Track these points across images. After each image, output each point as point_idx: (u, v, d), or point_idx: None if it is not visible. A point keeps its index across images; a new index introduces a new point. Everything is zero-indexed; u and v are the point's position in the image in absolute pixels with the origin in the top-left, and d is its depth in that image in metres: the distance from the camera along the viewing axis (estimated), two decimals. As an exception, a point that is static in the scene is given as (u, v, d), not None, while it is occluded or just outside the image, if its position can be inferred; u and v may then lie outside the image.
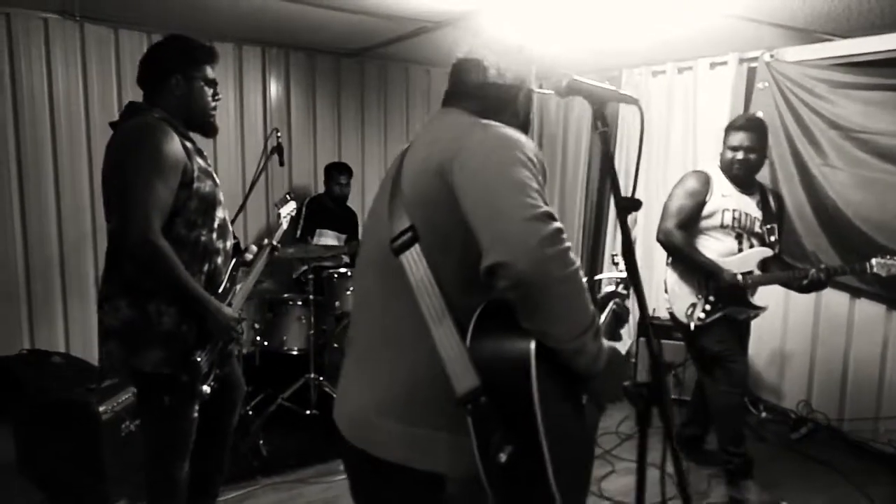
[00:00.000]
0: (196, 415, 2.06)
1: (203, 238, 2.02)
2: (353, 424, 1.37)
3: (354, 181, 4.90)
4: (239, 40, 4.60)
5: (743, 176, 3.06)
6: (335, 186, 4.65)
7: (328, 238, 4.49)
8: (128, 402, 3.04)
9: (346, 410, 1.40)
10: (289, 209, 2.78)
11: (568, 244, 1.16)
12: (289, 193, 2.92)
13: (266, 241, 2.53)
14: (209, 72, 2.11)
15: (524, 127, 1.47)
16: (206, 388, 2.03)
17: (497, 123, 1.31)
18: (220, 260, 2.11)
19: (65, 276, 4.19)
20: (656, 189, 4.64)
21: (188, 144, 2.01)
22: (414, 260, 1.25)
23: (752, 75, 4.19)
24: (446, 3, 3.34)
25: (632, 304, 1.78)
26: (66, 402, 2.97)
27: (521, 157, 1.22)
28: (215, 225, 2.07)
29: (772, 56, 4.02)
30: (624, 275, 1.77)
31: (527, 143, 1.26)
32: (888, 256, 2.84)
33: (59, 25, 3.99)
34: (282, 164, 3.81)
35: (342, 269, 3.92)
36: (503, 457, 1.14)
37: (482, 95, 1.42)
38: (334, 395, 3.66)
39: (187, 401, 2.02)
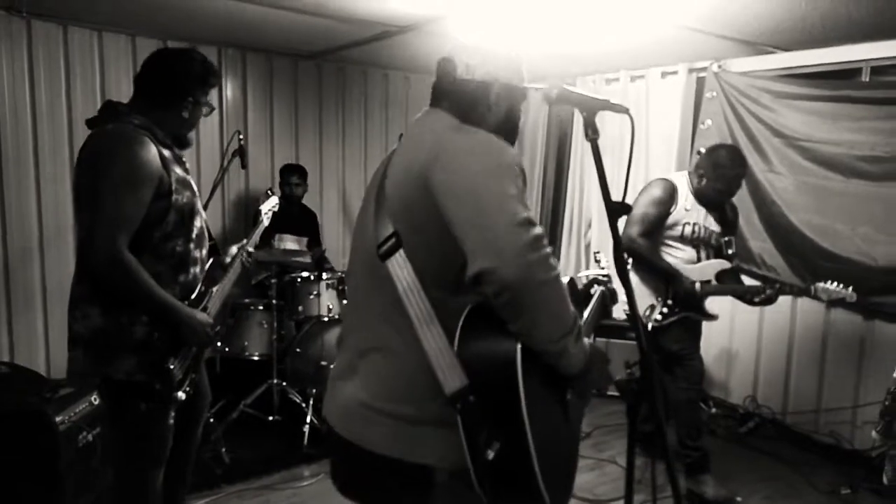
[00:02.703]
0: (172, 421, 2.03)
1: (179, 248, 1.99)
2: (345, 418, 1.41)
3: (312, 183, 4.87)
4: (194, 40, 4.50)
5: (713, 207, 3.21)
6: (285, 187, 4.63)
7: (288, 242, 4.44)
8: (85, 412, 2.94)
9: (337, 405, 1.44)
10: (270, 205, 2.73)
11: (549, 249, 1.21)
12: (270, 189, 2.87)
13: (244, 241, 2.48)
14: (212, 95, 2.11)
15: (507, 123, 1.50)
16: (181, 395, 2.01)
17: (475, 129, 1.36)
18: (196, 269, 2.08)
19: (9, 284, 4.03)
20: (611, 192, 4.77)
21: (166, 153, 1.95)
22: (399, 265, 1.29)
23: (701, 84, 4.37)
24: (409, 7, 3.37)
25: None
26: (19, 412, 2.85)
27: (500, 163, 1.26)
28: (193, 235, 2.04)
29: (719, 66, 4.21)
30: (605, 272, 1.83)
31: (505, 148, 1.31)
32: (830, 283, 3.01)
33: (4, 21, 3.83)
34: (244, 166, 3.76)
35: (304, 274, 3.89)
36: (491, 454, 1.19)
37: (455, 93, 1.48)
38: (297, 401, 3.68)
39: (162, 407, 1.99)
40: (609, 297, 1.80)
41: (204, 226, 2.14)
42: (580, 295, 1.67)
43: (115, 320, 1.90)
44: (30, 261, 4.08)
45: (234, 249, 2.41)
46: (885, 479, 2.95)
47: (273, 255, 3.91)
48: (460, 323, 1.24)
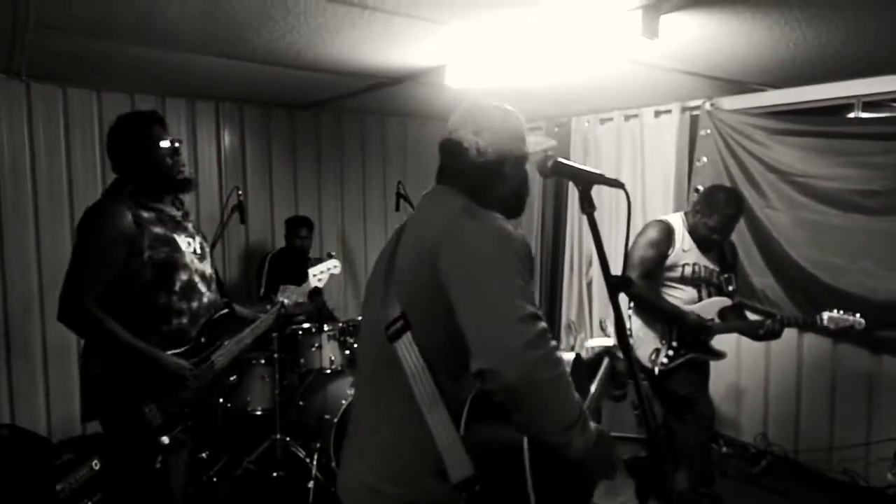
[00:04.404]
0: (158, 465, 2.12)
1: (161, 301, 2.16)
2: (351, 494, 1.42)
3: (314, 233, 4.87)
4: (192, 96, 4.56)
5: (708, 247, 3.20)
6: (296, 240, 4.62)
7: (293, 293, 4.42)
8: (85, 478, 2.91)
9: (346, 483, 1.45)
10: (325, 268, 3.03)
11: (552, 344, 1.20)
12: (330, 253, 3.24)
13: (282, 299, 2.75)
14: (159, 133, 2.25)
15: (519, 193, 1.52)
16: (164, 439, 2.11)
17: (486, 213, 1.35)
18: (182, 320, 2.22)
19: (9, 342, 4.00)
20: (608, 232, 4.79)
21: (146, 215, 2.16)
22: (406, 347, 1.29)
23: (694, 122, 4.41)
24: (403, 61, 3.41)
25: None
26: (18, 481, 2.81)
27: (507, 253, 1.26)
28: (176, 287, 2.19)
29: (712, 105, 4.25)
30: (612, 341, 1.81)
31: (513, 237, 1.30)
32: (837, 311, 3.00)
33: (3, 84, 3.88)
34: (243, 221, 3.78)
35: (306, 325, 3.86)
36: None
37: (468, 175, 1.46)
38: (301, 456, 3.61)
39: (148, 450, 2.11)
40: (619, 375, 1.77)
41: (194, 278, 2.26)
42: (587, 368, 1.65)
43: (109, 367, 2.10)
44: (30, 316, 4.05)
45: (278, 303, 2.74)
46: (903, 524, 2.89)
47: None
48: (466, 407, 1.22)
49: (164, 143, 2.23)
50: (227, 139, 4.80)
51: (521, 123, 1.52)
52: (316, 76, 3.77)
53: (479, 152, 1.45)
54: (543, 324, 1.20)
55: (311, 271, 2.92)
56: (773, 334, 3.07)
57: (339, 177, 5.33)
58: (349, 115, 5.29)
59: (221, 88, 4.36)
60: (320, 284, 2.93)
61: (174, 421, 2.16)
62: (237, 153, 4.86)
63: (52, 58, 3.47)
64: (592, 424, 1.28)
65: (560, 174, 1.36)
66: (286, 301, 2.73)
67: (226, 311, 2.39)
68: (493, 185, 1.46)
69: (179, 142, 2.29)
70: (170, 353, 2.16)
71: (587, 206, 1.35)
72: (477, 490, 1.20)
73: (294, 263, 4.61)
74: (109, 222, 2.10)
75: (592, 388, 1.66)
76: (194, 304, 2.25)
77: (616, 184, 1.42)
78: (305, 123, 5.12)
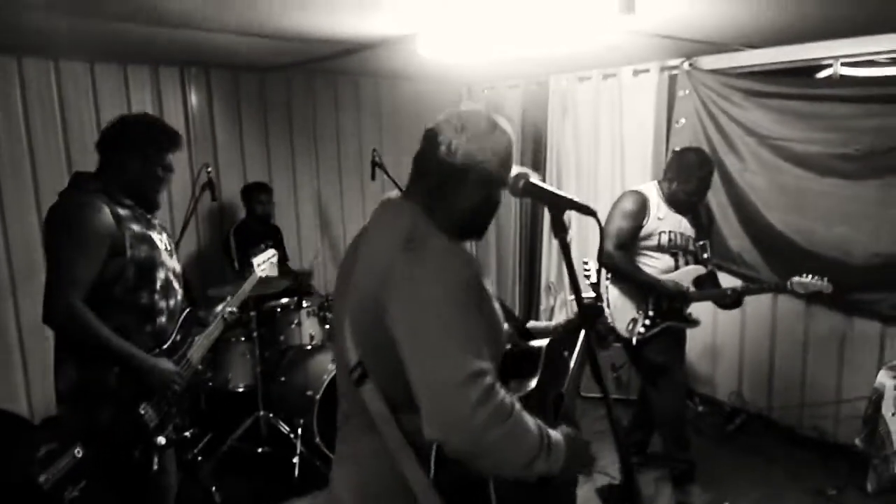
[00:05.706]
0: (156, 467, 2.12)
1: (144, 301, 2.12)
2: None
3: (288, 200, 4.78)
4: (155, 62, 4.38)
5: (686, 210, 3.19)
6: (257, 206, 4.50)
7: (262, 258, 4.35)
8: (69, 466, 2.89)
9: (333, 493, 1.48)
10: (265, 258, 2.95)
11: (500, 397, 1.17)
12: (266, 242, 3.15)
13: (228, 298, 2.64)
14: (169, 158, 2.19)
15: (477, 214, 1.40)
16: (161, 440, 2.12)
17: (428, 243, 1.28)
18: (163, 319, 2.20)
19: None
20: (587, 195, 4.76)
21: (122, 212, 2.09)
22: (370, 394, 1.29)
23: (673, 82, 4.33)
24: (372, 29, 3.28)
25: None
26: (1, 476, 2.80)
27: (447, 293, 1.21)
28: (157, 286, 2.16)
29: (691, 65, 4.17)
30: (593, 280, 1.81)
31: (454, 269, 1.24)
32: (805, 276, 3.02)
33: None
34: (214, 199, 3.69)
35: (284, 301, 3.83)
36: None
37: (431, 175, 1.38)
38: (285, 431, 3.64)
39: (144, 453, 2.10)
40: (604, 337, 1.79)
41: (170, 276, 2.24)
42: (565, 339, 1.65)
43: (89, 373, 2.05)
44: (2, 298, 3.97)
45: (218, 309, 2.55)
46: (868, 488, 3.00)
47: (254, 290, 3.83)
48: (434, 448, 1.23)
49: (168, 164, 2.19)
50: (194, 105, 4.64)
51: (510, 144, 1.40)
52: (285, 45, 3.62)
53: (448, 150, 1.34)
54: (489, 379, 1.17)
55: (255, 261, 2.90)
56: (737, 303, 3.15)
57: (313, 138, 5.18)
58: (321, 78, 5.12)
59: (187, 54, 4.18)
60: (262, 275, 2.92)
61: (166, 421, 2.18)
62: (206, 119, 4.70)
63: (3, 29, 3.29)
64: (561, 434, 1.28)
65: (531, 196, 1.31)
66: (227, 308, 2.57)
67: (190, 308, 2.37)
68: (453, 192, 1.36)
69: (173, 171, 2.25)
70: (155, 353, 2.16)
71: (559, 231, 1.31)
72: None
73: (260, 232, 4.54)
74: (89, 218, 2.02)
75: (571, 363, 1.66)
76: (171, 302, 2.24)
77: (587, 211, 1.35)
78: (276, 86, 4.95)
